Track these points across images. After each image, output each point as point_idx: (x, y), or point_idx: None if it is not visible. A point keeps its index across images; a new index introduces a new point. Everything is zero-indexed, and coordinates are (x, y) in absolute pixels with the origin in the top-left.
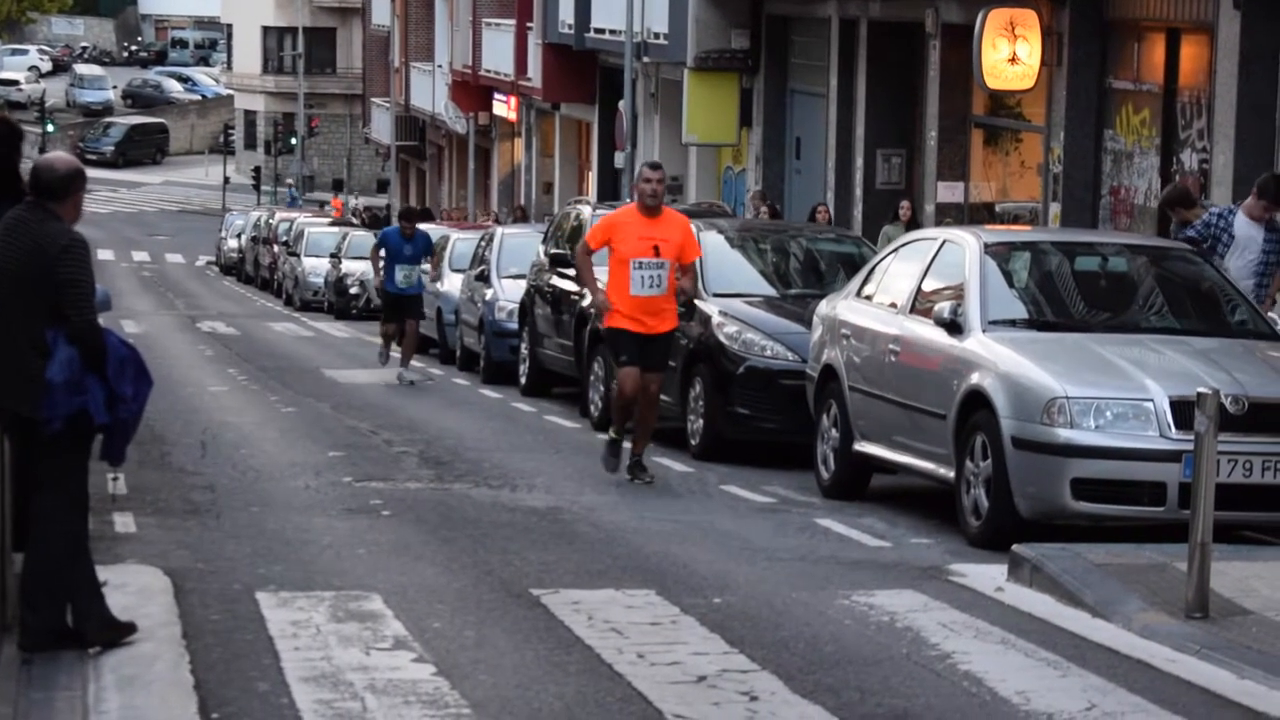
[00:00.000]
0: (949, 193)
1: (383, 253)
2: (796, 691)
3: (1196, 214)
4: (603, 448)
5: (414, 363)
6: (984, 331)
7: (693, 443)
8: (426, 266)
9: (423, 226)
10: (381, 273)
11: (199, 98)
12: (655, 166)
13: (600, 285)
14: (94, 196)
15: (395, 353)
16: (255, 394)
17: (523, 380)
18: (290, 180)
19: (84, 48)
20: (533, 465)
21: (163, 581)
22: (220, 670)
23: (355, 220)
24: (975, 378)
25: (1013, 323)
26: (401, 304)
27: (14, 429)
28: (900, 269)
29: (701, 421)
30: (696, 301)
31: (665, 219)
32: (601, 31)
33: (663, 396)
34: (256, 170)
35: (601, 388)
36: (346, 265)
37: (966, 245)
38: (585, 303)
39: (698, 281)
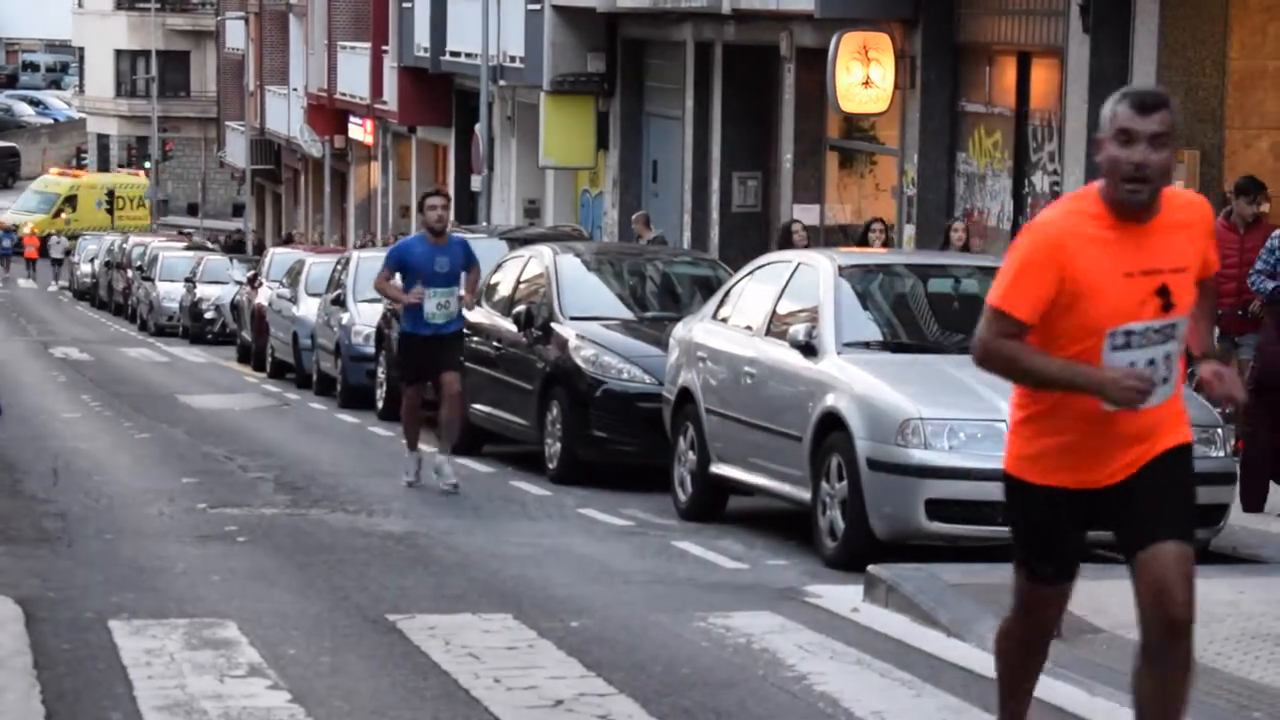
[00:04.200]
0: (805, 215)
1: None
2: (653, 715)
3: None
4: None
5: (269, 387)
6: (839, 353)
7: (550, 466)
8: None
9: (281, 251)
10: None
11: (51, 121)
12: (1153, 104)
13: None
14: None
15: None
16: (109, 420)
17: (379, 405)
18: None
19: None
20: (389, 490)
21: (13, 610)
22: (72, 700)
23: (211, 245)
24: (830, 399)
25: (867, 345)
26: (435, 351)
27: None
28: (755, 291)
29: (559, 445)
30: (553, 325)
31: (1166, 221)
32: (457, 54)
33: (517, 420)
34: (110, 194)
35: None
36: (201, 290)
37: (821, 268)
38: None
39: (1213, 328)
